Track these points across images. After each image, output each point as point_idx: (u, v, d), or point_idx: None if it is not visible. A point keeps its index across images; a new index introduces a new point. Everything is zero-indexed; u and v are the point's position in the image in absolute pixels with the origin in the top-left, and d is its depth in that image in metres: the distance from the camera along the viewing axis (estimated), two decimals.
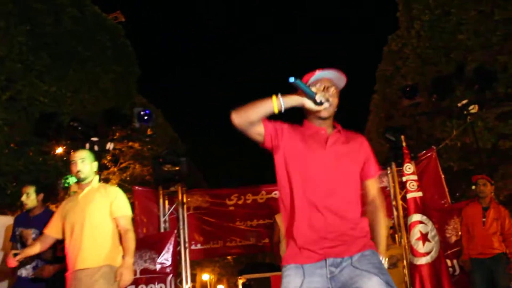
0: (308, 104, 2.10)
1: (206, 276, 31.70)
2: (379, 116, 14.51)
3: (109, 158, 13.73)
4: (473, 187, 5.85)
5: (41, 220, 4.16)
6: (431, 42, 9.60)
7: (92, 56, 9.84)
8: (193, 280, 29.28)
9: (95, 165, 3.66)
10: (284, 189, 2.20)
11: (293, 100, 2.10)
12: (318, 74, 2.22)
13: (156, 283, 6.07)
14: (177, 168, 6.84)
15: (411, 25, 10.23)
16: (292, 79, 1.98)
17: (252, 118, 2.10)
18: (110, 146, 7.64)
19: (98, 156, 8.46)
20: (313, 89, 2.09)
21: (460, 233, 6.00)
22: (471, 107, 7.93)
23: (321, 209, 2.08)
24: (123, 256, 3.47)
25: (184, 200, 7.09)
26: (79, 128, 7.18)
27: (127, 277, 3.38)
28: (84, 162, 3.57)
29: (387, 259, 2.12)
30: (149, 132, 12.22)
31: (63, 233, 3.57)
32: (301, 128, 2.28)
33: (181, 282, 6.69)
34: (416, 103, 8.40)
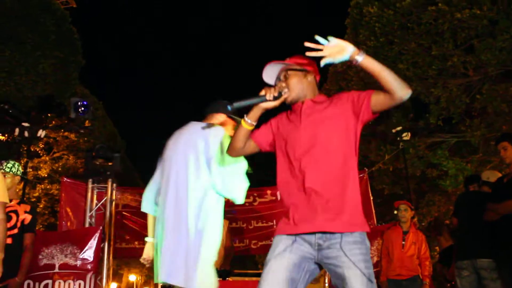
0: (267, 104, 2.23)
1: (133, 277, 31.00)
2: None
3: (41, 146, 13.21)
4: (395, 211, 6.11)
5: None
6: None
7: (33, 38, 9.45)
8: (119, 280, 28.53)
9: None
10: (278, 175, 2.30)
11: (255, 112, 2.26)
12: (264, 76, 2.36)
13: (75, 279, 5.86)
14: (110, 164, 6.68)
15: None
16: (229, 108, 2.19)
17: (239, 145, 2.35)
18: (42, 133, 7.36)
19: (28, 143, 8.16)
20: (262, 92, 2.22)
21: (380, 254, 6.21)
22: (404, 134, 8.30)
23: (303, 187, 2.14)
24: None
25: (113, 196, 6.92)
26: (10, 111, 6.87)
27: None
28: None
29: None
30: (87, 123, 11.88)
31: None
32: (287, 113, 2.39)
33: (101, 280, 6.49)
34: None
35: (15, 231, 3.99)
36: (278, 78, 2.37)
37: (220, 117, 3.00)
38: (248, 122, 2.28)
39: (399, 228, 5.82)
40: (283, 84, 2.28)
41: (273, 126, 2.38)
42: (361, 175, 7.58)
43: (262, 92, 2.21)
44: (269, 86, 2.29)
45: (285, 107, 2.38)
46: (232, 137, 2.37)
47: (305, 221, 2.10)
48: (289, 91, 2.27)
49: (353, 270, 2.00)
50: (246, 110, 2.28)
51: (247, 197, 7.22)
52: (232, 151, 2.40)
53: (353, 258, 2.03)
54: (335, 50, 2.04)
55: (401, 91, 2.03)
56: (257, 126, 2.36)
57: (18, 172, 4.24)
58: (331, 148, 2.15)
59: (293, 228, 2.13)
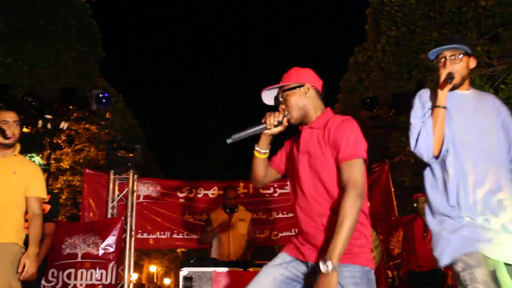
0: (272, 131, 2.23)
1: (153, 268, 31.38)
2: None
3: (63, 138, 13.39)
4: (415, 204, 6.04)
5: None
6: (395, 58, 9.83)
7: (55, 32, 9.56)
8: (140, 270, 28.92)
9: (20, 131, 3.27)
10: (291, 196, 2.31)
11: (264, 141, 2.28)
12: (265, 101, 2.34)
13: (98, 269, 5.94)
14: (130, 155, 6.73)
15: (378, 39, 10.45)
16: (229, 141, 2.15)
17: (260, 175, 2.36)
18: (64, 125, 7.44)
19: (51, 135, 8.27)
20: (264, 119, 2.21)
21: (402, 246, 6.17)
22: None
23: (305, 218, 2.14)
24: (30, 244, 3.10)
25: (135, 187, 6.97)
26: (33, 103, 6.96)
27: (31, 269, 3.05)
28: (18, 126, 3.20)
29: (329, 263, 1.79)
30: (107, 115, 11.99)
31: None
32: (294, 137, 2.34)
33: (123, 270, 6.57)
34: (375, 115, 8.57)
35: None
36: (277, 99, 2.31)
37: None
38: (260, 152, 2.29)
39: (420, 220, 5.76)
40: (283, 107, 2.24)
41: (286, 149, 2.40)
42: (382, 166, 7.52)
43: (264, 119, 2.20)
44: (273, 109, 2.27)
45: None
46: (251, 169, 2.36)
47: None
48: (290, 112, 2.22)
49: None
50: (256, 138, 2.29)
51: (268, 188, 7.25)
52: (255, 182, 2.42)
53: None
54: None
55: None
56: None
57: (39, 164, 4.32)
58: (323, 181, 2.10)
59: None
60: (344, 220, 1.86)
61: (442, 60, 2.30)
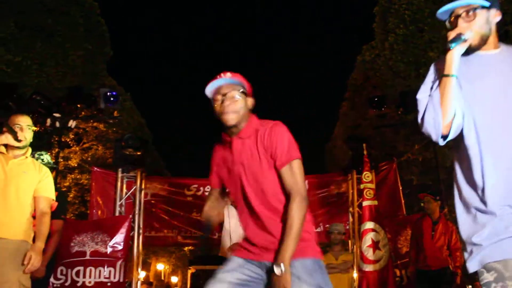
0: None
1: (161, 266, 31.47)
2: (346, 124, 14.70)
3: (71, 136, 13.45)
4: (422, 204, 6.02)
5: None
6: (403, 56, 9.79)
7: (63, 31, 9.61)
8: (147, 268, 29.01)
9: (32, 135, 3.41)
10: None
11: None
12: (206, 90, 2.16)
13: (106, 267, 5.99)
14: (138, 153, 6.76)
15: (386, 37, 10.41)
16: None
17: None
18: (72, 124, 7.47)
19: (59, 133, 8.31)
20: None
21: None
22: None
23: (253, 225, 2.18)
24: (36, 239, 3.21)
25: (143, 185, 7.01)
26: (42, 102, 7.00)
27: (36, 262, 3.12)
28: (29, 130, 3.33)
29: (282, 265, 1.95)
30: (115, 114, 12.03)
31: None
32: (220, 145, 2.29)
33: (131, 267, 6.60)
34: (383, 114, 8.54)
35: None
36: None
37: None
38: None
39: (428, 218, 5.73)
40: (226, 108, 2.12)
41: (217, 162, 2.32)
42: (390, 165, 7.49)
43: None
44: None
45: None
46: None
47: None
48: (232, 115, 2.11)
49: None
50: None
51: None
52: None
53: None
54: None
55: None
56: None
57: (48, 162, 4.41)
58: (262, 184, 2.16)
59: None
60: (292, 225, 1.98)
61: (453, 19, 1.92)
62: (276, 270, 1.93)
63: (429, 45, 8.69)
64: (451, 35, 1.86)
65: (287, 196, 2.08)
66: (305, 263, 2.05)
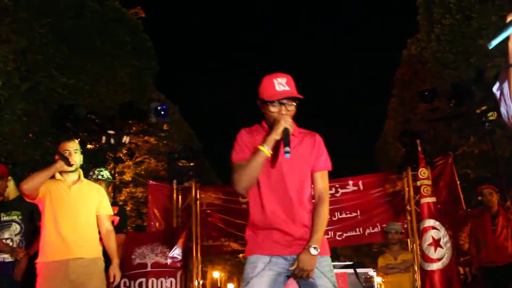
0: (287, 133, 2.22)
1: (216, 274, 31.77)
2: (396, 120, 14.42)
3: (124, 151, 13.85)
4: (479, 197, 5.78)
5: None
6: (451, 46, 9.50)
7: (111, 50, 9.94)
8: (204, 277, 29.38)
9: (81, 158, 3.66)
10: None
11: (272, 138, 2.23)
12: (269, 92, 2.31)
13: (167, 277, 6.10)
14: (191, 164, 6.88)
15: (431, 29, 10.13)
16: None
17: (253, 179, 2.31)
18: (126, 139, 7.71)
19: (114, 149, 8.60)
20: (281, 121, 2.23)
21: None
22: (489, 114, 7.80)
23: (284, 217, 2.33)
24: (112, 257, 3.54)
25: (198, 196, 7.11)
26: (96, 120, 7.26)
27: (118, 278, 3.49)
28: (78, 153, 3.55)
29: (316, 247, 2.21)
30: (165, 127, 12.30)
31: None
32: (258, 133, 2.39)
33: (191, 278, 6.71)
34: (434, 107, 8.32)
35: None
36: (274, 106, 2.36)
37: None
38: (268, 151, 2.23)
39: (486, 212, 5.51)
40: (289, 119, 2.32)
41: (249, 148, 2.38)
42: (446, 160, 7.27)
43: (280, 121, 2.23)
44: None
45: None
46: (252, 172, 2.25)
47: None
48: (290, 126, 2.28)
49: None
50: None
51: (329, 188, 7.18)
52: (249, 186, 2.34)
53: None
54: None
55: None
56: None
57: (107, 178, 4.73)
58: (302, 180, 2.40)
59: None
60: (324, 219, 2.32)
61: None
62: (313, 251, 2.20)
63: (478, 33, 8.36)
64: (510, 17, 1.66)
65: (310, 196, 2.38)
66: (328, 261, 2.34)
